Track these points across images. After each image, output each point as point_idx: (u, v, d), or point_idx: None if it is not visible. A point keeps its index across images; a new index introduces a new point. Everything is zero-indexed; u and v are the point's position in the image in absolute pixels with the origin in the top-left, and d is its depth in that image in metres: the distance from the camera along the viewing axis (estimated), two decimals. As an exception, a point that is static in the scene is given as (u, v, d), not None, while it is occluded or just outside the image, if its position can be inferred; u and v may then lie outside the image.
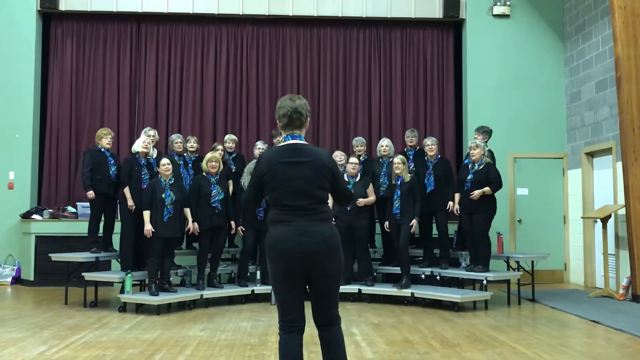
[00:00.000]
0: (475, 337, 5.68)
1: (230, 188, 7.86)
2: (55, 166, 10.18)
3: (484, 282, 7.47)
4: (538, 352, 5.10)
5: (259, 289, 7.76)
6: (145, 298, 6.91)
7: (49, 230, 9.26)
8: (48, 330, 5.90)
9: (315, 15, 10.40)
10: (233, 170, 8.27)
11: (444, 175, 7.92)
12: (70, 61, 10.33)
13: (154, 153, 7.82)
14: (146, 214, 6.99)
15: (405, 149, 8.52)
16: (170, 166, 7.12)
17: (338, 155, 8.36)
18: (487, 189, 7.33)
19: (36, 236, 9.24)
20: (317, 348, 3.35)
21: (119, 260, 7.70)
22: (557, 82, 10.34)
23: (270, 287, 7.46)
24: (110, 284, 8.06)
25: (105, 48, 10.41)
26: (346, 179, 7.71)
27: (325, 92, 10.54)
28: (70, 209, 9.62)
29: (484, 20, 10.37)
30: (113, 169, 7.62)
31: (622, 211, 8.13)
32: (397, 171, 7.58)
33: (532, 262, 7.96)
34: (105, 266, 8.60)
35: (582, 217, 9.46)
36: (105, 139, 7.68)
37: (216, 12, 10.35)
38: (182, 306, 7.30)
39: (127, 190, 7.38)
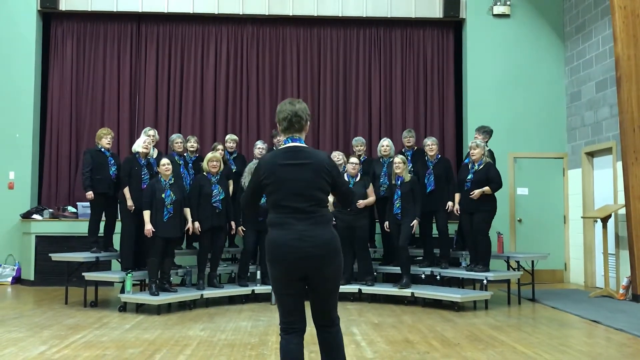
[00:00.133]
0: (476, 336, 5.69)
1: (231, 188, 7.86)
2: (56, 166, 10.18)
3: (484, 281, 7.47)
4: (538, 351, 5.10)
5: (259, 288, 7.76)
6: (145, 298, 6.92)
7: (49, 230, 9.27)
8: (48, 330, 5.90)
9: (316, 15, 10.40)
10: (234, 170, 8.28)
11: (444, 175, 7.92)
12: (70, 61, 10.34)
13: (154, 153, 7.83)
14: (146, 214, 6.99)
15: (403, 150, 8.52)
16: (170, 166, 7.13)
17: (336, 156, 8.35)
18: (486, 188, 7.33)
19: (36, 236, 9.24)
20: (317, 348, 3.35)
21: (119, 260, 7.71)
22: (557, 82, 10.34)
23: (270, 287, 7.46)
24: (111, 283, 8.07)
25: (105, 48, 10.42)
26: (346, 178, 7.71)
27: (325, 92, 10.54)
28: (71, 208, 9.63)
29: (484, 20, 10.37)
30: (113, 169, 7.62)
31: (622, 211, 8.14)
32: (398, 171, 7.58)
33: (532, 261, 7.96)
34: (105, 266, 8.61)
35: (582, 217, 9.46)
36: (105, 139, 7.68)
37: (216, 12, 10.35)
38: (183, 306, 7.30)
39: (127, 191, 7.38)
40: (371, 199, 7.83)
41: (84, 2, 10.17)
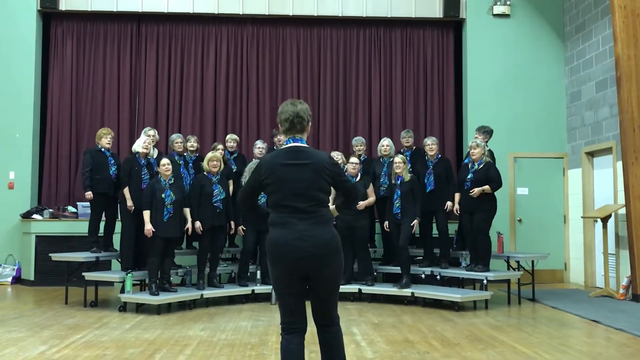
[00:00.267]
0: (476, 336, 5.69)
1: (231, 188, 7.86)
2: (56, 166, 10.18)
3: (484, 281, 7.47)
4: (538, 351, 5.10)
5: (259, 288, 7.76)
6: (145, 298, 6.92)
7: (49, 230, 9.27)
8: (48, 329, 5.90)
9: (316, 15, 10.40)
10: (234, 170, 8.28)
11: (444, 174, 7.92)
12: (70, 61, 10.33)
13: (154, 153, 7.83)
14: (146, 214, 6.99)
15: (401, 150, 8.52)
16: (170, 166, 7.13)
17: (335, 156, 8.35)
18: (486, 187, 7.33)
19: (36, 236, 9.24)
20: (318, 348, 3.35)
21: (119, 260, 7.71)
22: (557, 82, 10.34)
23: (270, 287, 7.47)
24: (111, 283, 8.07)
25: (105, 48, 10.41)
26: (346, 178, 7.70)
27: (325, 91, 10.54)
28: (71, 208, 9.63)
29: (484, 20, 10.37)
30: (113, 169, 7.62)
31: (623, 211, 8.14)
32: (398, 170, 7.58)
33: (533, 261, 7.96)
34: (105, 266, 8.61)
35: (582, 217, 9.46)
36: (105, 139, 7.69)
37: (216, 12, 10.35)
38: (183, 306, 7.30)
39: (127, 191, 7.38)
40: (371, 199, 7.83)
41: (84, 2, 10.17)
